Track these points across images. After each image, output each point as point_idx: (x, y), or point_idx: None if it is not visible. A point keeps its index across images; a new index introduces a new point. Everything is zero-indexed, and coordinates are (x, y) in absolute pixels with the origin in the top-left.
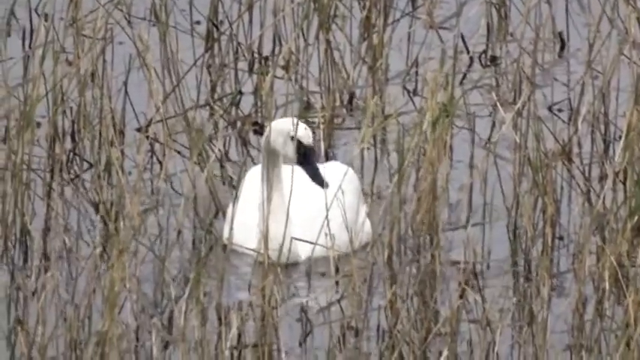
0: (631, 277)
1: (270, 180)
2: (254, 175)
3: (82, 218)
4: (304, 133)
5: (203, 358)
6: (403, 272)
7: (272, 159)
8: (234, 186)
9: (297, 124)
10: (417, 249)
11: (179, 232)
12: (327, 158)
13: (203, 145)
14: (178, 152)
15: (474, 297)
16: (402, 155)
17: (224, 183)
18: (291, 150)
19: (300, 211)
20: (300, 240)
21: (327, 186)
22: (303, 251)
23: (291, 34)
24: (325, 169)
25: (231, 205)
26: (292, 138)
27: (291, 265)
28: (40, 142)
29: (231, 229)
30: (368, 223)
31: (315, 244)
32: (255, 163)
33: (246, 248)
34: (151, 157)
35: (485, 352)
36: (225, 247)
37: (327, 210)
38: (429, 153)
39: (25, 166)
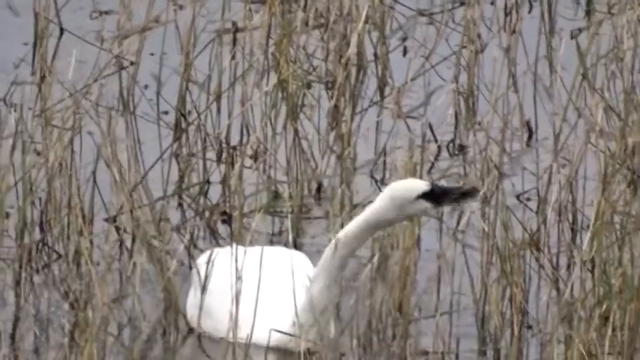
0: None
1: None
2: (221, 259)
3: (51, 308)
4: (421, 185)
5: None
6: None
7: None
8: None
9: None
10: (385, 339)
11: (147, 322)
12: (296, 249)
13: (171, 234)
14: (147, 242)
15: None
16: (381, 244)
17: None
18: (423, 206)
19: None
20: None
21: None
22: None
23: (259, 123)
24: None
25: (196, 291)
26: (417, 197)
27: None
28: (9, 233)
29: (199, 317)
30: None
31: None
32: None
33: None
34: (120, 246)
35: None
36: (199, 335)
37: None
38: (406, 242)
39: None
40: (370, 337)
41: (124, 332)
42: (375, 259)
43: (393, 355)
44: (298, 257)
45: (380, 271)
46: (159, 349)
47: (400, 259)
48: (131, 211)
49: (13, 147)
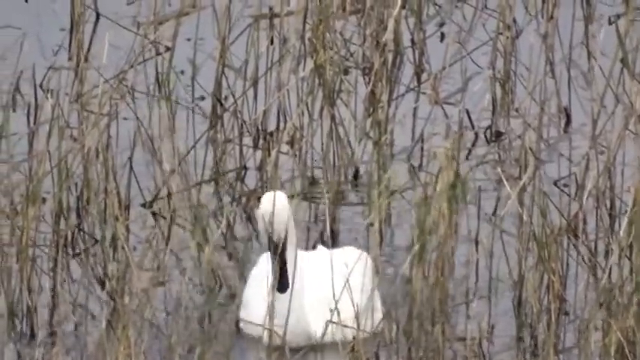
0: (638, 352)
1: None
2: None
3: (88, 294)
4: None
5: None
6: (411, 347)
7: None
8: (242, 263)
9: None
10: (424, 325)
11: (185, 309)
12: (332, 235)
13: (207, 221)
14: (183, 228)
15: None
16: (422, 232)
17: (229, 259)
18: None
19: (313, 292)
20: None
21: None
22: (318, 332)
23: (295, 109)
24: (342, 253)
25: (247, 287)
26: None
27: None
28: (46, 218)
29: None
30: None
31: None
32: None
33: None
34: (157, 232)
35: None
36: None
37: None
38: (446, 230)
39: (30, 242)
40: (411, 324)
41: (162, 318)
42: (416, 246)
43: (430, 342)
44: (354, 256)
45: (420, 257)
46: (198, 336)
47: (439, 246)
48: (168, 197)
49: (50, 133)
